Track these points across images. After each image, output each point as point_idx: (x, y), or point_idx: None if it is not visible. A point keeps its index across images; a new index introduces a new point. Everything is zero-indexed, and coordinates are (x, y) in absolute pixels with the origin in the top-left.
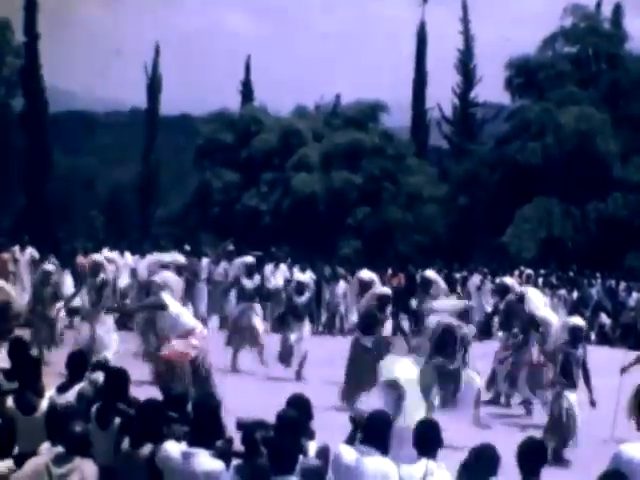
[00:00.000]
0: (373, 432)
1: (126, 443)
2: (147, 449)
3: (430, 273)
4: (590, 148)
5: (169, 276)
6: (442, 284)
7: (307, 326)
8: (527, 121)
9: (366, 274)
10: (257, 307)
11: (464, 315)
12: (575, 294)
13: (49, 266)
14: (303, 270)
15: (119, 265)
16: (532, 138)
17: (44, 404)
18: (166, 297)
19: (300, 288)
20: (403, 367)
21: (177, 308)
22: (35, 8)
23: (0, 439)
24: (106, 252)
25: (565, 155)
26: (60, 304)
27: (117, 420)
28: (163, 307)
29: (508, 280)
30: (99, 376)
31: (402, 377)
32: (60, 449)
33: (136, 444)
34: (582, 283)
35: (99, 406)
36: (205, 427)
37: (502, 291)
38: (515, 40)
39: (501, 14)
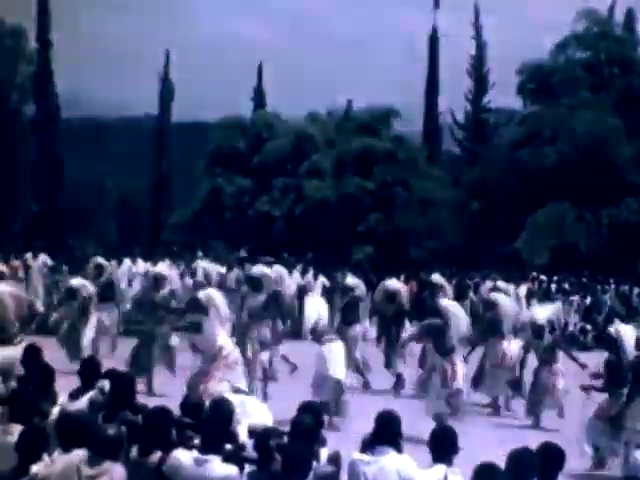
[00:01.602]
0: (384, 431)
1: (135, 451)
2: (156, 457)
3: (437, 277)
4: (603, 153)
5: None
6: (449, 288)
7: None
8: (540, 126)
9: (394, 283)
10: None
11: None
12: (588, 300)
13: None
14: (315, 277)
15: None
16: (545, 143)
17: (55, 411)
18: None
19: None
20: None
21: (214, 327)
22: (47, 15)
23: (32, 444)
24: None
25: (578, 160)
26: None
27: (123, 428)
28: (198, 328)
29: (501, 284)
30: (106, 384)
31: None
32: (86, 452)
33: (144, 452)
34: (595, 289)
35: (104, 413)
36: (217, 433)
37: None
38: (528, 45)
39: (513, 19)
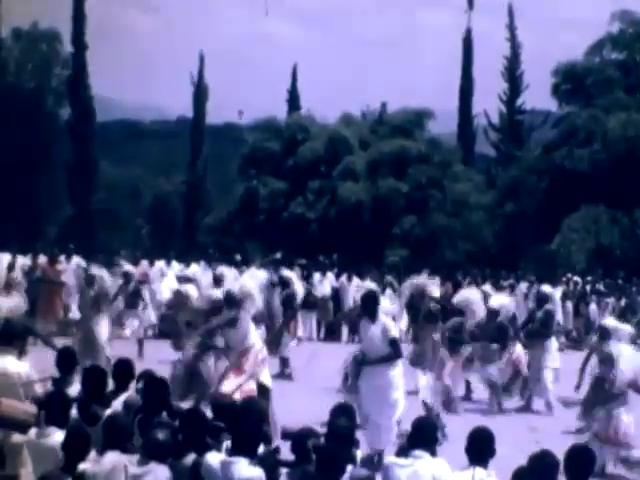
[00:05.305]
0: (421, 436)
1: None
2: (190, 459)
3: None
4: (638, 154)
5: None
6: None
7: None
8: (574, 127)
9: (420, 280)
10: None
11: None
12: (623, 302)
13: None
14: (349, 279)
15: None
16: (579, 144)
17: (107, 413)
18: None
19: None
20: None
21: (248, 323)
22: (83, 19)
23: (79, 445)
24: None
25: (613, 161)
26: None
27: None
28: (233, 323)
29: (547, 289)
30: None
31: None
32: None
33: (179, 454)
34: (630, 291)
35: (141, 416)
36: (247, 436)
37: (541, 300)
38: (562, 46)
39: (548, 20)
